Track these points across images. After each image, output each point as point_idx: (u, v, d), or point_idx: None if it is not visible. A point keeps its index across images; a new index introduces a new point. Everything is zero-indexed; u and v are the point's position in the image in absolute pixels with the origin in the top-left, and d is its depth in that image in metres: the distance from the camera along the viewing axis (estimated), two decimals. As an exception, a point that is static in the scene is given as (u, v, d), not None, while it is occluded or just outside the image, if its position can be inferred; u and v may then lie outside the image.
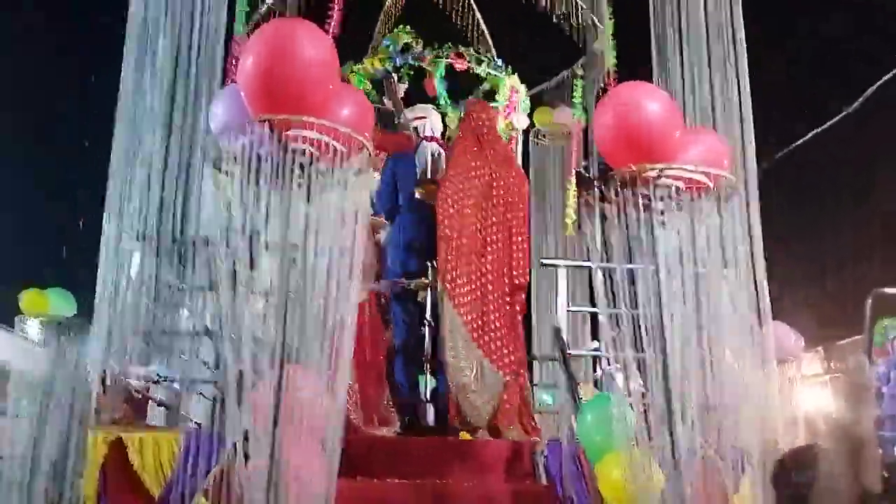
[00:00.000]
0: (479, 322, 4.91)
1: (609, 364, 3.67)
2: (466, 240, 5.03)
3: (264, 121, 2.82)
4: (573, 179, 6.65)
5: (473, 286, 4.98)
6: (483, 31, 6.96)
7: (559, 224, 7.22)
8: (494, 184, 5.19)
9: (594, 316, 5.20)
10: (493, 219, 5.16)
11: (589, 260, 3.35)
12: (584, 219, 3.30)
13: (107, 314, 4.06)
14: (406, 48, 6.13)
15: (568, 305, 5.06)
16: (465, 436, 4.84)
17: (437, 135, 5.72)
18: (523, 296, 5.22)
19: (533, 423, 5.06)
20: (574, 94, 7.19)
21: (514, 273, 5.11)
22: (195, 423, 4.71)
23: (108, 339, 4.18)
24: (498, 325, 4.95)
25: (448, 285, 4.86)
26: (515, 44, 7.80)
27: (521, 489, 4.36)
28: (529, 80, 7.31)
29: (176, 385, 4.75)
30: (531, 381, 6.82)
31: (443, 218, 4.95)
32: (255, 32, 2.93)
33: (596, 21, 6.29)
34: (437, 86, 6.52)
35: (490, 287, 5.02)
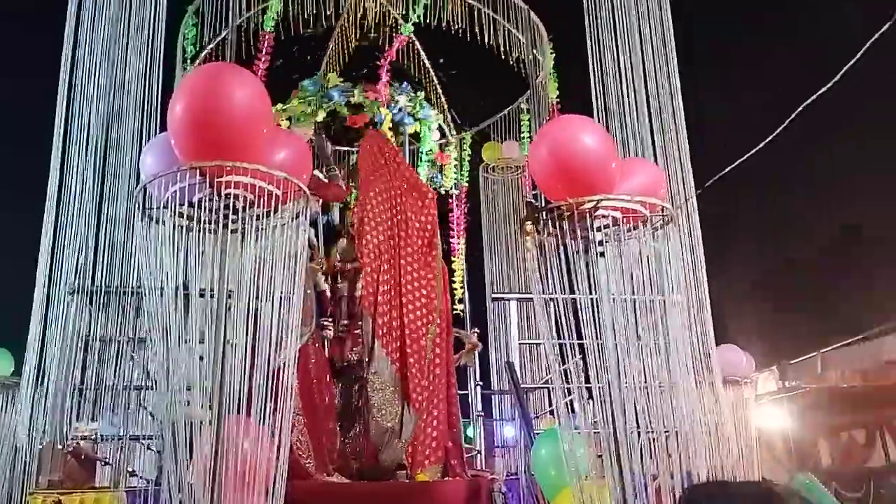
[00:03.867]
0: (400, 360, 4.85)
1: (567, 395, 3.66)
2: (386, 272, 5.01)
3: (195, 168, 2.75)
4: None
5: (393, 321, 4.94)
6: (428, 70, 7.02)
7: (512, 257, 7.24)
8: (401, 209, 5.19)
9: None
10: (407, 246, 5.14)
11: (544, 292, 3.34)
12: (529, 251, 3.30)
13: (37, 371, 3.90)
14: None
15: (520, 338, 5.04)
16: (421, 477, 4.75)
17: None
18: (446, 325, 5.13)
19: (462, 463, 4.98)
20: (521, 127, 7.29)
21: (427, 300, 5.04)
22: (142, 478, 4.55)
23: (42, 397, 4.01)
24: (413, 360, 4.86)
25: (378, 321, 4.85)
26: (462, 82, 7.90)
27: (480, 529, 4.28)
28: (476, 117, 7.42)
29: (119, 441, 4.59)
30: (491, 416, 6.78)
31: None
32: (183, 78, 2.88)
33: (538, 56, 6.40)
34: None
35: (408, 320, 4.95)
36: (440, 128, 6.41)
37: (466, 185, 7.05)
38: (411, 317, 4.92)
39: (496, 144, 7.42)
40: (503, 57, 6.51)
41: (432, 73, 6.98)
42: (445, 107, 6.92)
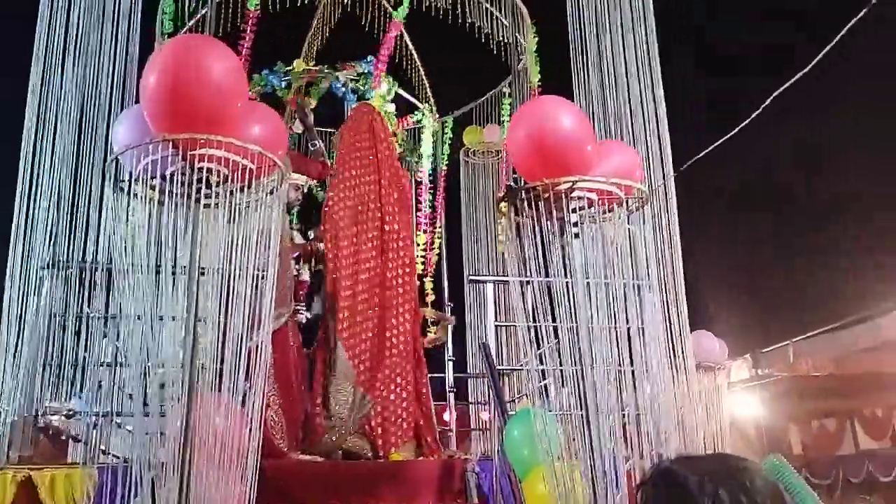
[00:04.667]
0: (357, 343, 4.85)
1: (543, 378, 3.68)
2: (347, 252, 5.00)
3: (168, 140, 2.71)
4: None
5: (354, 309, 4.93)
6: (412, 54, 6.97)
7: (491, 241, 7.25)
8: (374, 193, 5.17)
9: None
10: (371, 227, 5.11)
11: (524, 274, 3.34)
12: (506, 233, 3.31)
13: (14, 347, 3.86)
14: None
15: (496, 321, 5.06)
16: (395, 457, 4.77)
17: None
18: (409, 307, 5.10)
19: (436, 440, 5.00)
20: (502, 112, 7.27)
21: (392, 282, 5.02)
22: (115, 456, 4.52)
23: (15, 373, 3.97)
24: (369, 343, 4.86)
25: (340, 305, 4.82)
26: (445, 66, 7.86)
27: (453, 509, 4.31)
28: (459, 101, 7.39)
29: (93, 419, 4.55)
30: (466, 399, 6.82)
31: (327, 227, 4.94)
32: (157, 49, 2.82)
33: (520, 39, 6.38)
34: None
35: (369, 310, 4.95)
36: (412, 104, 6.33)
37: (446, 167, 7.04)
38: (375, 309, 4.91)
39: (477, 128, 7.41)
40: (485, 41, 6.48)
41: (414, 54, 6.93)
42: (428, 90, 6.88)
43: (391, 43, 6.05)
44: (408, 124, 6.30)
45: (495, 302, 5.12)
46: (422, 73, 7.02)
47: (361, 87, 5.80)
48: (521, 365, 5.93)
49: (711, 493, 1.30)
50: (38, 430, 4.67)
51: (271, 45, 6.30)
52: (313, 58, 6.67)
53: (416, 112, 6.26)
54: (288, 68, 5.74)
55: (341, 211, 5.05)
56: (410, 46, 7.03)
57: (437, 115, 6.69)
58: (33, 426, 4.37)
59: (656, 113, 4.09)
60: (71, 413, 4.60)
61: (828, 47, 3.29)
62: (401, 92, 6.27)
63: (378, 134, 5.37)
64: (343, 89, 5.80)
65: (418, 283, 6.25)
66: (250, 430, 3.03)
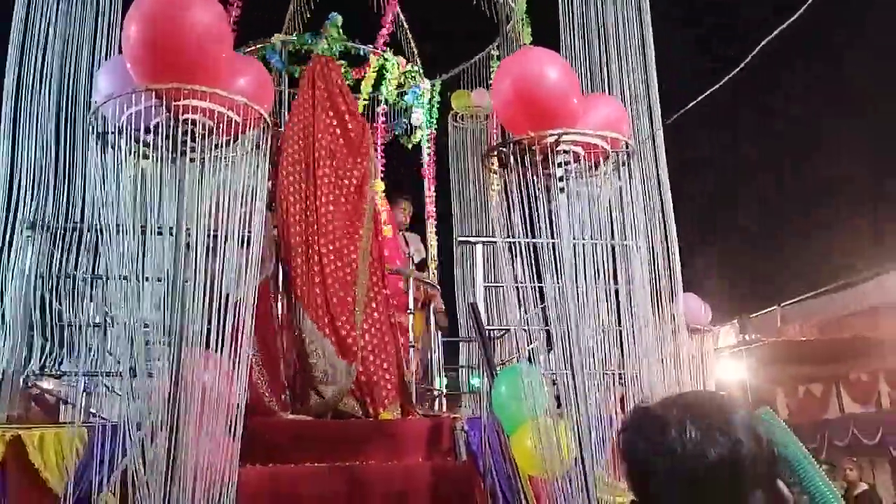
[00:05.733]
0: (323, 304, 4.76)
1: (531, 340, 3.69)
2: (297, 215, 4.85)
3: (151, 90, 2.67)
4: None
5: (307, 267, 4.81)
6: (399, 16, 6.86)
7: (480, 205, 7.24)
8: (325, 146, 4.98)
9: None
10: (328, 183, 4.94)
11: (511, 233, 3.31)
12: (492, 188, 3.29)
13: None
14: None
15: (485, 283, 5.07)
16: (385, 416, 4.81)
17: None
18: (375, 270, 5.02)
19: (410, 403, 5.03)
20: (491, 75, 7.19)
21: (352, 246, 4.90)
22: (102, 418, 4.52)
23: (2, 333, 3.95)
24: (340, 310, 4.76)
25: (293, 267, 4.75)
26: (433, 27, 7.76)
27: (442, 466, 4.36)
28: (447, 63, 7.31)
29: (81, 380, 4.55)
30: (457, 363, 6.85)
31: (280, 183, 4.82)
32: (139, -2, 2.75)
33: (510, 0, 6.29)
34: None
35: (326, 267, 4.82)
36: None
37: (435, 131, 6.98)
38: (332, 266, 4.82)
39: (465, 92, 7.35)
40: (474, 1, 6.39)
41: (401, 16, 6.83)
42: (415, 51, 6.80)
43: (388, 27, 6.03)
44: (366, 72, 6.15)
45: (484, 263, 5.12)
46: (408, 35, 6.92)
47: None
48: (511, 326, 5.96)
49: (688, 428, 1.26)
50: (29, 394, 4.67)
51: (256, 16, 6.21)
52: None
53: (379, 58, 6.13)
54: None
55: (284, 170, 4.93)
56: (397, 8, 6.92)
57: (422, 76, 6.59)
58: (25, 393, 4.37)
59: (646, 67, 4.03)
60: (60, 374, 4.59)
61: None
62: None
63: (316, 82, 5.19)
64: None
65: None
66: (237, 387, 3.04)
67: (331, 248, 4.84)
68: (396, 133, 6.67)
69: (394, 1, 6.29)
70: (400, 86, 6.26)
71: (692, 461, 1.20)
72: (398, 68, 6.05)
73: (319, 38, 5.57)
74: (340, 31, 5.66)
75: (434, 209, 6.80)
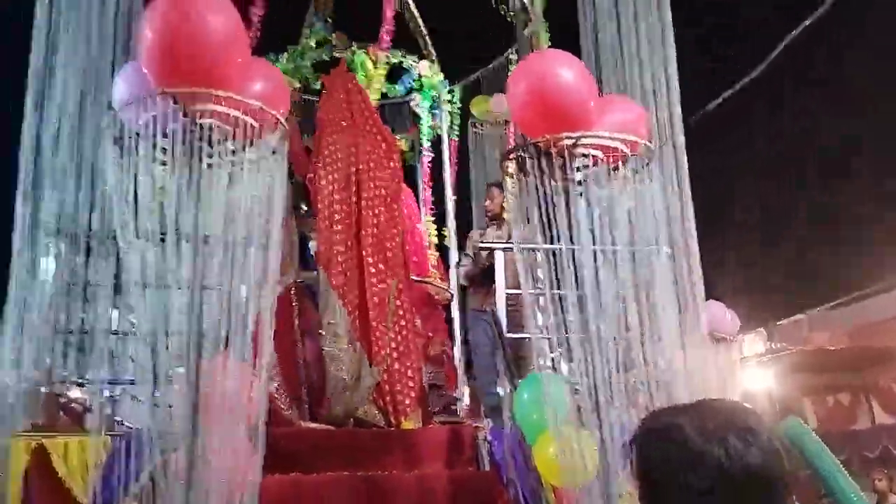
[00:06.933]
0: (360, 313, 4.79)
1: (553, 348, 3.63)
2: (340, 222, 4.90)
3: (167, 94, 2.67)
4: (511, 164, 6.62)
5: (350, 272, 4.84)
6: (416, 19, 6.87)
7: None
8: (360, 158, 5.03)
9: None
10: (365, 196, 4.99)
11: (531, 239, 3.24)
12: (511, 192, 3.25)
13: (20, 315, 3.85)
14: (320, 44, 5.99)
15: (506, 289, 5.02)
16: (407, 425, 4.77)
17: None
18: (401, 274, 5.01)
19: (427, 411, 5.02)
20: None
21: (390, 254, 4.94)
22: (128, 426, 4.54)
23: (23, 341, 3.97)
24: (375, 313, 4.78)
25: (334, 272, 4.76)
26: (451, 32, 7.75)
27: (464, 475, 4.31)
28: (465, 69, 7.30)
29: (105, 388, 4.57)
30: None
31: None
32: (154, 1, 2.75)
33: (527, 4, 6.26)
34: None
35: (367, 272, 4.86)
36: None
37: (457, 138, 6.98)
38: (373, 270, 4.85)
39: (485, 98, 7.33)
40: (494, 5, 6.38)
41: (420, 21, 6.83)
42: (434, 57, 6.79)
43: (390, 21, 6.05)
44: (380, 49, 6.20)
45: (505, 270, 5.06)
46: (427, 40, 6.91)
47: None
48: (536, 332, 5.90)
49: (718, 438, 1.16)
50: (54, 402, 4.69)
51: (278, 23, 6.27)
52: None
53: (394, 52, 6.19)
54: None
55: (323, 180, 4.95)
56: (415, 12, 6.93)
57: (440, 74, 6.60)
58: (53, 401, 4.39)
59: (666, 70, 3.96)
60: (83, 382, 4.62)
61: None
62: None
63: (352, 95, 5.27)
64: None
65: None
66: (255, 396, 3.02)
67: (370, 250, 4.88)
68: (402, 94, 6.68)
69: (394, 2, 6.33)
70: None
71: (707, 471, 1.16)
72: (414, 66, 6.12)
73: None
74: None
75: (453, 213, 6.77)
